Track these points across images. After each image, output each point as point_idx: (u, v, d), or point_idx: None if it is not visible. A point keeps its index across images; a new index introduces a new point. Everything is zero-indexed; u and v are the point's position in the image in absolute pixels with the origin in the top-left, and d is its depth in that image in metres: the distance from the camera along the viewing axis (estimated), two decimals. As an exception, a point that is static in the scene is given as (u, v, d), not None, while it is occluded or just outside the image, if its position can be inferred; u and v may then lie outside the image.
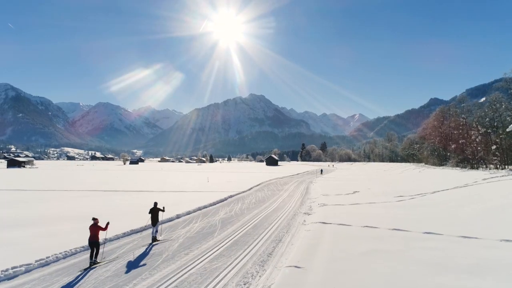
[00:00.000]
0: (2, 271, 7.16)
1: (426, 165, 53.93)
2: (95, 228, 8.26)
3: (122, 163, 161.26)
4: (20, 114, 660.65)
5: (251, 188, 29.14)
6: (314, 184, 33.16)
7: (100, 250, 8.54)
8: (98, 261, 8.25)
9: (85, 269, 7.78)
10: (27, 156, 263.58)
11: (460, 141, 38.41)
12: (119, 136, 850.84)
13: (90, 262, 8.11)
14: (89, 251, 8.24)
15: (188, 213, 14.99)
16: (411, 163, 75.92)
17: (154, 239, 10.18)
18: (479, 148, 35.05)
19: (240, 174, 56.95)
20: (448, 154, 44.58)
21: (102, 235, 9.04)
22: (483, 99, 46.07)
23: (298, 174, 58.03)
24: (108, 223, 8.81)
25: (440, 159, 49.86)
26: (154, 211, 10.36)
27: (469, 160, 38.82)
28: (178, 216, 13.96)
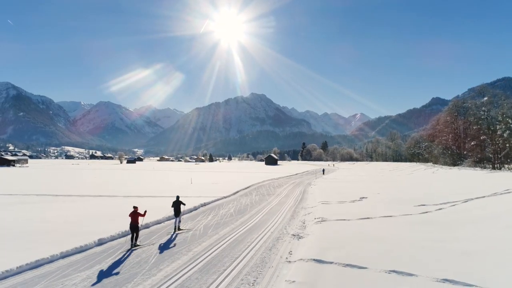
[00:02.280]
0: None
1: (437, 165, 49.02)
2: (135, 214, 9.13)
3: (119, 162, 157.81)
4: (21, 113, 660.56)
5: (237, 192, 24.48)
6: (313, 187, 28.41)
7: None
8: (139, 244, 9.14)
9: (128, 250, 8.64)
10: (24, 154, 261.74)
11: (481, 137, 33.47)
12: (120, 135, 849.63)
13: (131, 244, 8.99)
14: (130, 235, 9.26)
15: (122, 235, 10.27)
16: (419, 163, 71.03)
17: (178, 228, 11.24)
18: (507, 144, 30.12)
19: (234, 174, 52.43)
20: (465, 152, 39.64)
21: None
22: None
23: (296, 174, 53.36)
24: (145, 211, 10.03)
25: (454, 159, 44.91)
26: (177, 204, 11.28)
27: (490, 159, 33.92)
28: (100, 242, 9.27)
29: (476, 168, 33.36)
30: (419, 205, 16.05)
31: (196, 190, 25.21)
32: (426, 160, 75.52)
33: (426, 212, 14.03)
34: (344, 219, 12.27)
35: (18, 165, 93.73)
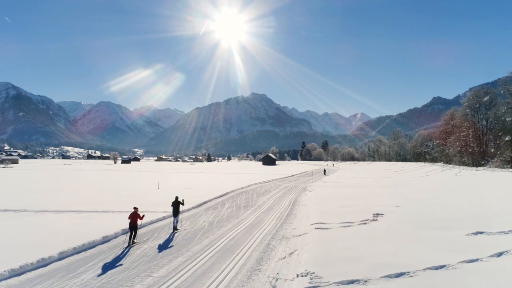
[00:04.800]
0: None
1: (455, 166, 42.64)
2: (135, 215, 9.79)
3: (113, 162, 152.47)
4: (21, 113, 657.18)
5: (206, 203, 18.31)
6: (308, 194, 22.15)
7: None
8: (136, 241, 9.76)
9: (126, 247, 9.27)
10: (19, 154, 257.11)
11: (519, 132, 27.21)
12: (120, 135, 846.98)
13: (129, 242, 9.56)
14: (129, 233, 9.75)
15: None
16: (428, 163, 64.63)
17: (175, 228, 11.35)
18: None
19: (222, 176, 46.34)
20: (492, 150, 33.32)
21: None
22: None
23: (292, 176, 47.11)
24: (143, 215, 10.62)
25: (475, 158, 38.56)
26: (176, 204, 11.43)
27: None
28: None
29: (510, 170, 27.04)
30: (474, 233, 9.79)
31: (154, 200, 19.03)
32: (434, 160, 69.50)
33: (503, 253, 7.77)
34: (356, 281, 6.04)
35: (1, 165, 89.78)
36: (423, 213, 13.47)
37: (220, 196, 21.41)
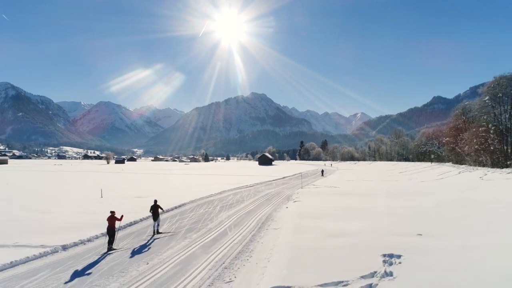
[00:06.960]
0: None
1: (465, 166, 36.82)
2: (112, 219, 9.20)
3: (106, 163, 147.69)
4: (20, 113, 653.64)
5: (133, 224, 12.51)
6: (289, 207, 16.25)
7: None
8: (115, 248, 9.04)
9: (104, 254, 8.61)
10: (14, 154, 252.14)
11: None
12: (120, 135, 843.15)
13: (108, 248, 8.93)
14: (107, 238, 9.18)
15: None
16: (435, 163, 58.73)
17: (157, 231, 10.98)
18: None
19: (204, 178, 40.72)
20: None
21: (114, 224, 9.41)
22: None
23: (284, 178, 41.33)
24: (122, 216, 9.93)
25: (495, 158, 32.73)
26: (154, 208, 10.95)
27: None
28: None
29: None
30: None
31: (71, 219, 13.29)
32: (441, 159, 63.96)
33: None
34: None
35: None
36: (476, 257, 7.56)
37: (169, 211, 15.64)
